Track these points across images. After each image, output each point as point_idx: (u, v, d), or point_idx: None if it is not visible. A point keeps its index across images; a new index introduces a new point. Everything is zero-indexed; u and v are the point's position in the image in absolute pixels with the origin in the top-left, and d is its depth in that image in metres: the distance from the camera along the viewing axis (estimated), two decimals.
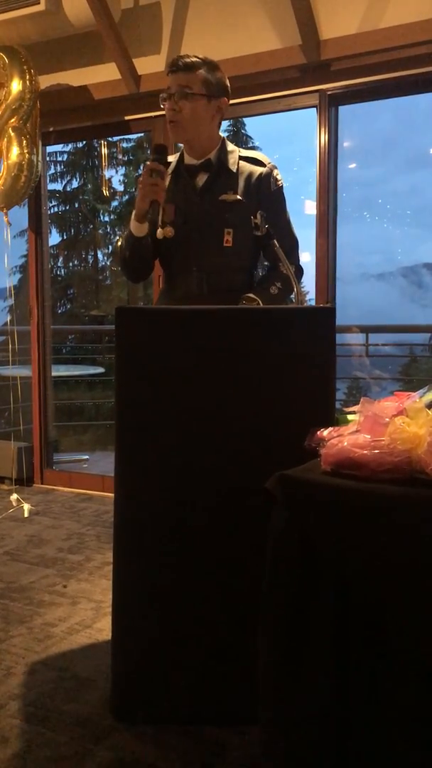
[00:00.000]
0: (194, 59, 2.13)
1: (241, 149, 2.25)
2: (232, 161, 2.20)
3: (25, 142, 3.91)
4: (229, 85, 2.22)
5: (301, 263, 2.30)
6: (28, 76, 3.89)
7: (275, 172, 2.22)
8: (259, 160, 2.22)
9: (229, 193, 2.17)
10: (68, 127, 4.48)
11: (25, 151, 3.91)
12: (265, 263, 2.30)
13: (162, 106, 2.17)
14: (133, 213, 2.14)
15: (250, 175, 2.19)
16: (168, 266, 2.26)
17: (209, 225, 2.16)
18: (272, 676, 1.39)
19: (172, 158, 2.27)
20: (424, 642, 1.21)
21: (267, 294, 2.16)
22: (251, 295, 2.13)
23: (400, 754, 1.23)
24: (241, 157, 2.21)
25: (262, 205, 2.15)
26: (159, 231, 2.17)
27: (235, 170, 2.19)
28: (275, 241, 2.17)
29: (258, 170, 2.19)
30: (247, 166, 2.20)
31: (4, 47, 3.96)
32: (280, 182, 2.23)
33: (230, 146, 2.23)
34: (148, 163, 2.11)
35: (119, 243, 2.26)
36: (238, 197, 2.16)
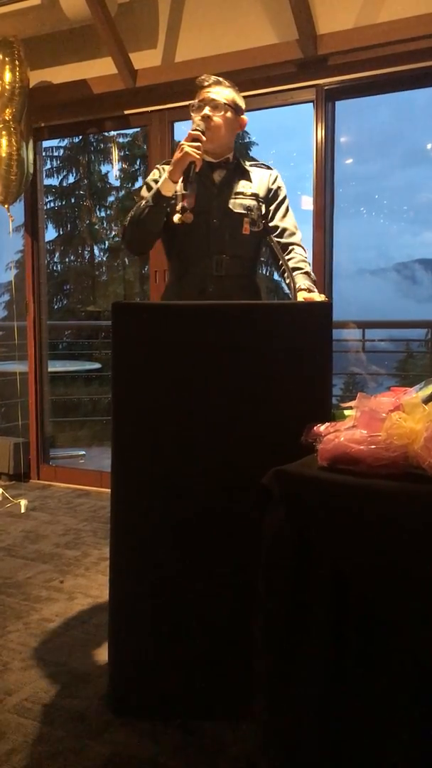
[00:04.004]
0: (222, 79, 2.32)
1: (247, 160, 2.48)
2: (246, 166, 2.42)
3: (14, 137, 3.89)
4: None
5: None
6: (17, 68, 3.87)
7: (279, 177, 2.44)
8: (267, 165, 2.46)
9: (245, 187, 2.36)
10: (64, 122, 4.46)
11: (15, 145, 3.88)
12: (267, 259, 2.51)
13: (192, 114, 2.30)
14: (167, 172, 2.20)
15: (260, 176, 2.40)
16: (180, 254, 2.35)
17: (228, 213, 2.31)
18: (268, 672, 1.39)
19: None
20: (421, 636, 1.21)
21: (310, 279, 2.28)
22: (309, 285, 2.22)
23: (396, 748, 1.24)
24: (250, 164, 2.44)
25: (270, 202, 2.38)
26: (177, 217, 2.15)
27: (249, 171, 2.40)
28: (272, 237, 2.37)
29: (267, 172, 2.42)
30: (256, 170, 2.42)
31: None
32: (283, 186, 2.43)
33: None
34: (189, 131, 2.21)
35: (133, 212, 2.29)
36: (254, 191, 2.36)
